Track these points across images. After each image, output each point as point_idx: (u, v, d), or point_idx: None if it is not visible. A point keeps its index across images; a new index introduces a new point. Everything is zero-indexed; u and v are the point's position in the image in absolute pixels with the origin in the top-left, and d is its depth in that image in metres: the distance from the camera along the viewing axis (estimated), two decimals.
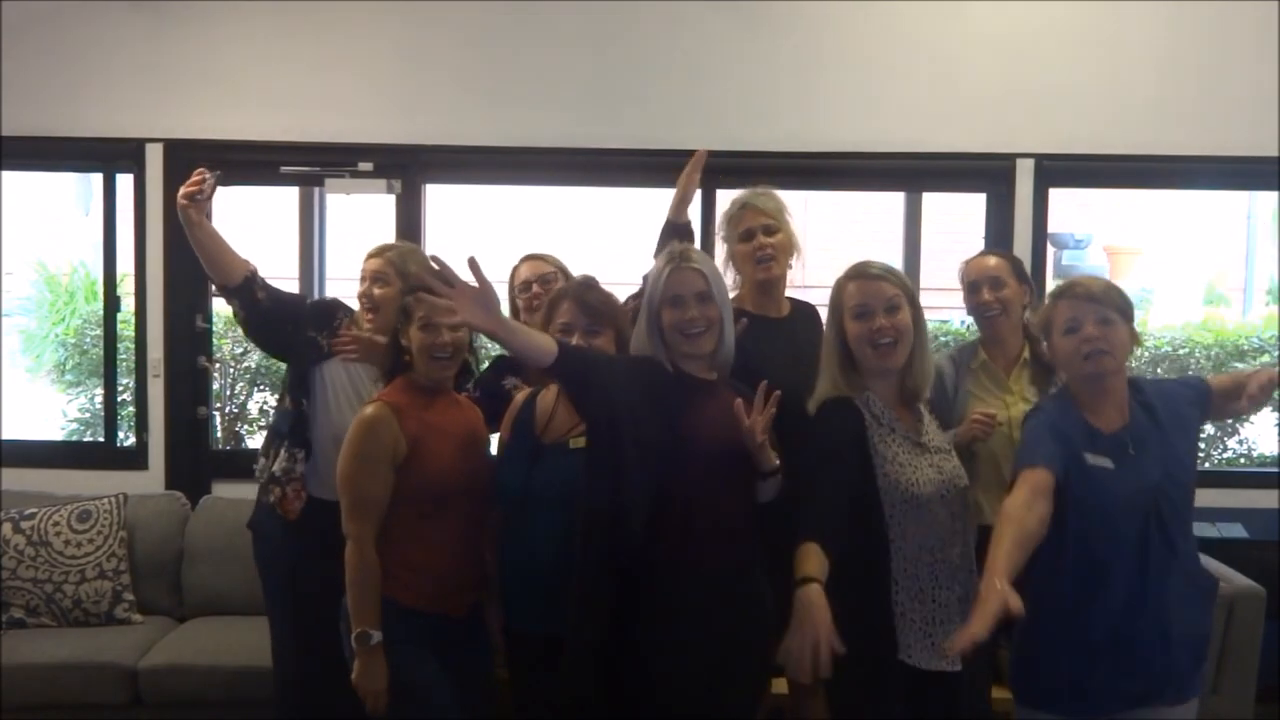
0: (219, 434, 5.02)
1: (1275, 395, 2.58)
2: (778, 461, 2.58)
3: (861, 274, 2.61)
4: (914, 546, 2.56)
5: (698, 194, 4.55)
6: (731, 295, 2.99)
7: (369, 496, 2.70)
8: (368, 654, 2.66)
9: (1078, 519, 2.50)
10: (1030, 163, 4.44)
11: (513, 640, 2.82)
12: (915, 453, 2.59)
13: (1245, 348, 5.39)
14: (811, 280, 4.42)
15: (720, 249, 3.33)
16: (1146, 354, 5.34)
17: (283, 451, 3.27)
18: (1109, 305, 2.53)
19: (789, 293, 3.35)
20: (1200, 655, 2.61)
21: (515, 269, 3.56)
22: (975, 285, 3.31)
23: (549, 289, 3.24)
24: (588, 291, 2.79)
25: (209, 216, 3.21)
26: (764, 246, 3.20)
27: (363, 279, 3.30)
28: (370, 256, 3.31)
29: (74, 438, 5.57)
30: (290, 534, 3.24)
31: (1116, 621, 2.52)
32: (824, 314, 2.88)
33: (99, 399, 5.20)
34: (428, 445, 2.74)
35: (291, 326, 3.31)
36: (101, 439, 4.89)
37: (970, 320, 3.65)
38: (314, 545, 3.05)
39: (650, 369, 2.61)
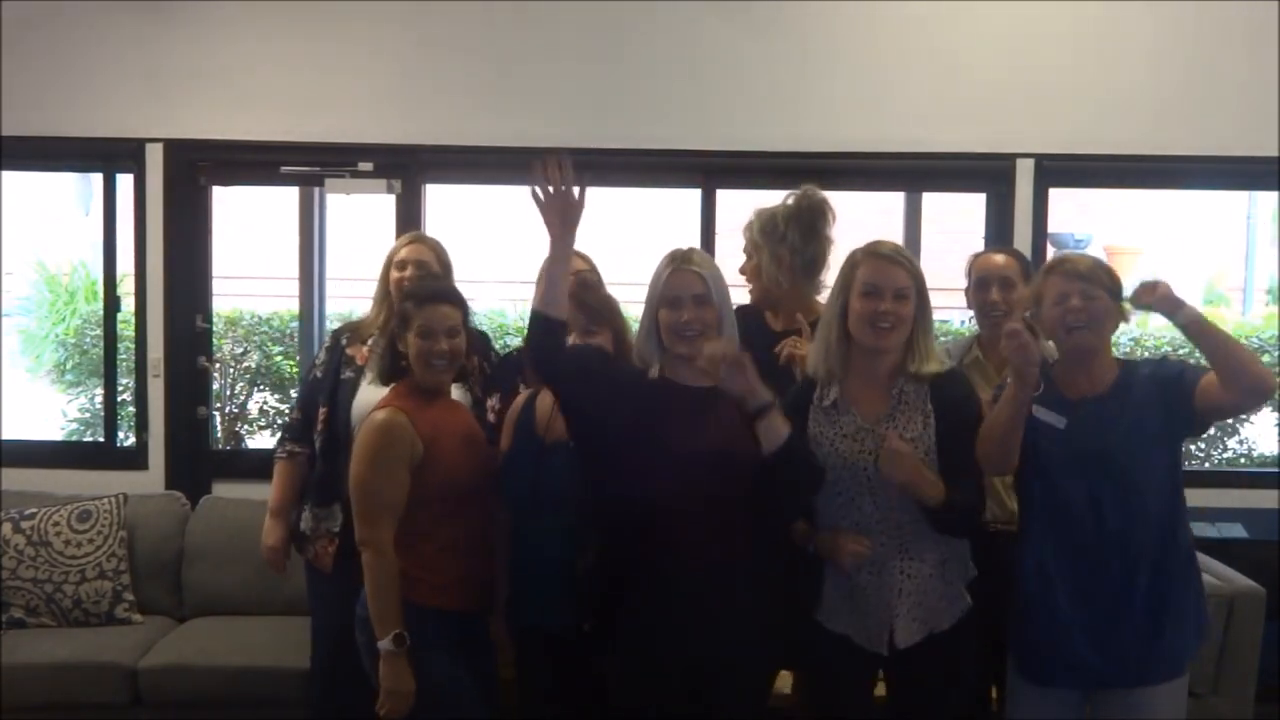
0: (219, 434, 5.03)
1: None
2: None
3: (875, 253, 2.64)
4: (824, 522, 2.65)
5: (697, 194, 4.57)
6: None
7: (388, 501, 2.67)
8: (397, 657, 2.62)
9: (1029, 474, 2.63)
10: (1030, 163, 4.43)
11: (518, 636, 2.83)
12: (853, 433, 2.61)
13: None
14: None
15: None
16: (1146, 353, 5.34)
17: (305, 511, 3.23)
18: (1095, 283, 2.62)
19: None
20: (1171, 636, 2.60)
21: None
22: (984, 282, 3.25)
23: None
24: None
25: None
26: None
27: (401, 265, 3.28)
28: (408, 243, 3.31)
29: (74, 438, 5.58)
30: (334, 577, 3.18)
31: (1081, 587, 2.57)
32: None
33: (99, 399, 5.21)
34: (441, 446, 2.72)
35: None
36: (101, 439, 4.89)
37: (970, 321, 3.65)
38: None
39: (637, 377, 2.64)
